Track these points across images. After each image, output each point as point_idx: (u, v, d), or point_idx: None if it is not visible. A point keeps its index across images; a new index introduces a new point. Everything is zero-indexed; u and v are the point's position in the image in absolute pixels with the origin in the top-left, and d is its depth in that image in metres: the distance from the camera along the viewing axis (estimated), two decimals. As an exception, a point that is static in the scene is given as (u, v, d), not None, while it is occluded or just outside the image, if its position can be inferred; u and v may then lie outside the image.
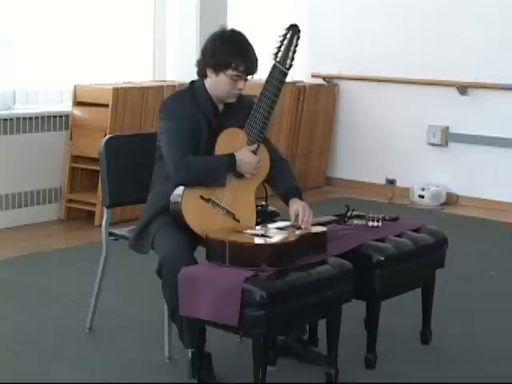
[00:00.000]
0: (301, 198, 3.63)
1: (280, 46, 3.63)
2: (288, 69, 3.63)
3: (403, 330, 4.17)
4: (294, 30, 3.65)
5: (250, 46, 3.58)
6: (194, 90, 3.63)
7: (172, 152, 3.50)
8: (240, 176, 3.55)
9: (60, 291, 4.72)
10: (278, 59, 3.61)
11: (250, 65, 3.53)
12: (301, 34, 3.67)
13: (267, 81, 3.60)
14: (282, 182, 3.69)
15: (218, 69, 3.53)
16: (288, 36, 3.64)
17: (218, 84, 3.55)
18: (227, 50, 3.51)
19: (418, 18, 7.62)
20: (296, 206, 3.58)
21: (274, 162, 3.68)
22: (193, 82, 3.70)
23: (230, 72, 3.51)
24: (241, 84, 3.55)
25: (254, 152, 3.56)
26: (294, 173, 3.82)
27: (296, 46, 3.63)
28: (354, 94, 8.12)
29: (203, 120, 3.56)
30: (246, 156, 3.53)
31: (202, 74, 3.61)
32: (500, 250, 5.89)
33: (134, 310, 4.42)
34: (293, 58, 3.63)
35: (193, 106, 3.57)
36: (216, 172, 3.49)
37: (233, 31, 3.60)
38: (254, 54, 3.57)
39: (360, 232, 3.78)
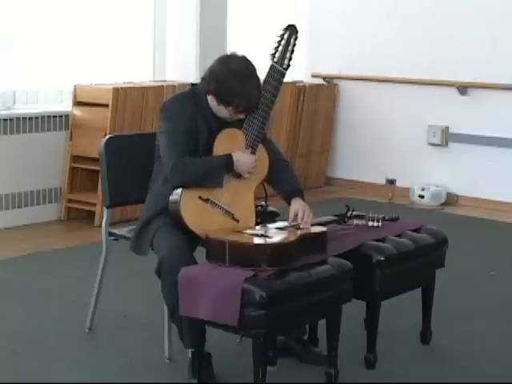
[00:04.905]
0: (303, 199, 3.64)
1: (278, 47, 3.63)
2: (286, 69, 3.63)
3: (403, 329, 4.17)
4: (291, 30, 3.65)
5: (256, 80, 3.53)
6: (195, 93, 3.62)
7: (169, 153, 3.50)
8: (239, 176, 3.55)
9: (60, 291, 4.72)
10: (275, 59, 3.62)
11: (251, 105, 3.51)
12: (300, 34, 3.69)
13: (265, 81, 3.61)
14: (284, 183, 3.70)
15: (219, 101, 3.52)
16: (285, 36, 3.64)
17: (218, 109, 3.55)
18: (232, 87, 3.46)
19: (418, 18, 7.62)
20: (296, 205, 3.59)
21: (276, 164, 3.69)
22: (193, 85, 3.69)
23: (230, 108, 3.51)
24: (240, 115, 3.55)
25: (252, 152, 3.56)
26: (296, 174, 3.83)
27: (294, 46, 3.63)
28: (354, 94, 8.12)
29: (202, 122, 3.56)
30: (243, 156, 3.53)
31: (204, 91, 3.58)
32: (500, 250, 5.89)
33: (134, 310, 4.42)
34: (290, 58, 3.63)
35: (193, 108, 3.57)
36: (213, 173, 3.49)
37: (241, 62, 3.53)
38: (258, 88, 3.52)
39: (360, 232, 3.78)
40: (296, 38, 3.64)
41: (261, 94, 3.54)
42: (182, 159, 3.46)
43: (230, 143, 3.55)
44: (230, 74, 3.49)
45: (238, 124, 3.58)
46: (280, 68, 3.61)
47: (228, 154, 3.51)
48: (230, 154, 3.51)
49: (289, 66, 3.63)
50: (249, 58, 3.58)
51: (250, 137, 3.57)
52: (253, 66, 3.55)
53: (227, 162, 3.50)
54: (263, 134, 3.61)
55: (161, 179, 3.60)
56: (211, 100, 3.55)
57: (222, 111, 3.54)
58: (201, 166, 3.49)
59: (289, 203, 3.64)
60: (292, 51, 3.63)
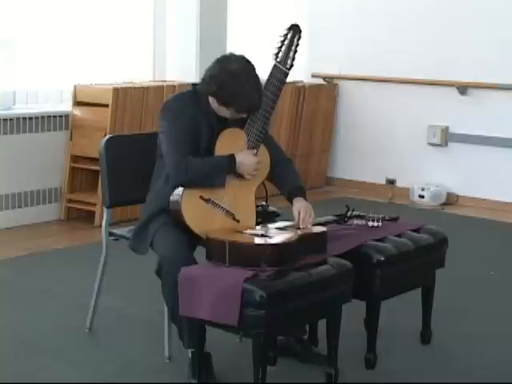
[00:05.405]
0: (305, 197, 3.64)
1: (281, 46, 3.62)
2: (289, 69, 3.62)
3: (403, 329, 4.16)
4: (295, 29, 3.64)
5: (255, 79, 3.50)
6: (197, 94, 3.61)
7: (172, 152, 3.50)
8: (240, 176, 3.55)
9: (60, 291, 4.72)
10: (278, 59, 3.61)
11: (253, 105, 3.50)
12: (301, 34, 3.66)
13: (268, 81, 3.60)
14: (286, 183, 3.69)
15: (220, 103, 3.51)
16: (289, 36, 3.63)
17: (219, 110, 3.54)
18: (231, 89, 3.44)
19: (418, 18, 7.63)
20: (299, 205, 3.59)
21: (279, 163, 3.69)
22: (195, 84, 3.68)
23: (232, 109, 3.51)
24: (242, 115, 3.54)
25: (254, 153, 3.56)
26: (299, 172, 3.83)
27: (297, 46, 3.62)
28: (353, 94, 8.12)
29: (204, 121, 3.56)
30: (246, 157, 3.53)
31: (205, 92, 3.57)
32: (500, 250, 5.89)
33: (134, 310, 4.42)
34: (294, 58, 3.62)
35: (194, 107, 3.56)
36: (216, 173, 3.49)
37: (240, 63, 3.51)
38: (258, 88, 3.50)
39: (360, 232, 3.77)
40: (299, 38, 3.63)
41: (262, 94, 3.54)
42: (186, 159, 3.46)
43: (232, 143, 3.55)
44: (229, 75, 3.47)
45: (239, 123, 3.58)
46: (283, 68, 3.60)
47: (231, 155, 3.51)
48: (233, 155, 3.51)
49: (292, 65, 3.62)
50: (247, 58, 3.56)
51: (251, 136, 3.56)
52: (252, 65, 3.54)
53: (230, 163, 3.50)
54: (265, 133, 3.61)
55: (162, 178, 3.60)
56: (212, 101, 3.55)
57: (223, 112, 3.54)
58: (204, 166, 3.48)
59: (291, 202, 3.64)
60: (295, 51, 3.62)
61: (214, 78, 3.50)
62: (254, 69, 3.54)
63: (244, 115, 3.54)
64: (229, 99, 3.48)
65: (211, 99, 3.54)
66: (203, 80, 3.57)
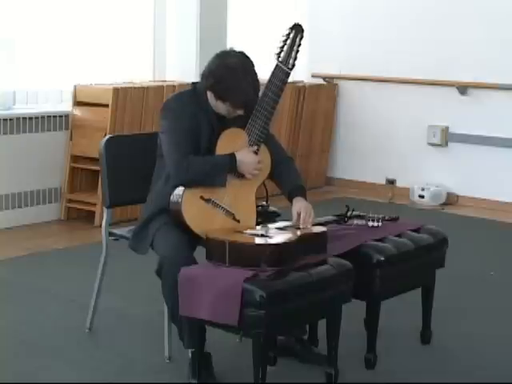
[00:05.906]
0: (305, 197, 3.64)
1: (283, 46, 3.61)
2: (291, 69, 3.61)
3: (403, 329, 4.16)
4: (297, 29, 3.63)
5: (253, 76, 3.51)
6: (196, 92, 3.62)
7: (172, 152, 3.50)
8: (241, 176, 3.55)
9: (60, 291, 4.71)
10: (280, 59, 3.60)
11: (249, 101, 3.51)
12: (303, 34, 3.66)
13: (269, 80, 3.59)
14: (287, 182, 3.69)
15: (217, 97, 3.52)
16: (291, 36, 3.62)
17: (216, 105, 3.55)
18: (229, 83, 3.46)
19: (418, 18, 7.63)
20: (299, 205, 3.58)
21: (280, 162, 3.69)
22: (194, 83, 3.69)
23: (227, 104, 3.51)
24: (239, 112, 3.55)
25: (255, 152, 3.56)
26: (299, 171, 3.83)
27: (299, 45, 3.61)
28: (353, 94, 8.12)
29: (204, 120, 3.56)
30: (247, 156, 3.53)
31: (204, 88, 3.58)
32: (500, 250, 5.89)
33: (134, 310, 4.42)
34: (296, 58, 3.62)
35: (194, 106, 3.57)
36: (216, 172, 3.49)
37: (238, 58, 3.52)
38: (255, 85, 3.51)
39: (360, 232, 3.77)
40: (302, 38, 3.62)
41: (259, 90, 3.54)
42: (186, 158, 3.46)
43: (233, 142, 3.55)
44: (226, 69, 3.48)
45: (241, 123, 3.58)
46: (285, 68, 3.59)
47: (231, 154, 3.51)
48: (234, 154, 3.51)
49: (294, 65, 3.61)
50: (247, 54, 3.57)
51: (253, 136, 3.56)
52: (250, 61, 3.54)
53: (231, 162, 3.50)
54: (266, 133, 3.60)
55: (162, 179, 3.60)
56: (210, 97, 3.55)
57: (220, 107, 3.54)
58: (205, 165, 3.48)
59: (291, 201, 3.64)
60: (297, 51, 3.60)
61: (212, 72, 3.52)
62: (253, 65, 3.54)
63: (240, 111, 3.54)
64: (225, 93, 3.48)
65: (209, 95, 3.55)
66: (202, 75, 3.58)
